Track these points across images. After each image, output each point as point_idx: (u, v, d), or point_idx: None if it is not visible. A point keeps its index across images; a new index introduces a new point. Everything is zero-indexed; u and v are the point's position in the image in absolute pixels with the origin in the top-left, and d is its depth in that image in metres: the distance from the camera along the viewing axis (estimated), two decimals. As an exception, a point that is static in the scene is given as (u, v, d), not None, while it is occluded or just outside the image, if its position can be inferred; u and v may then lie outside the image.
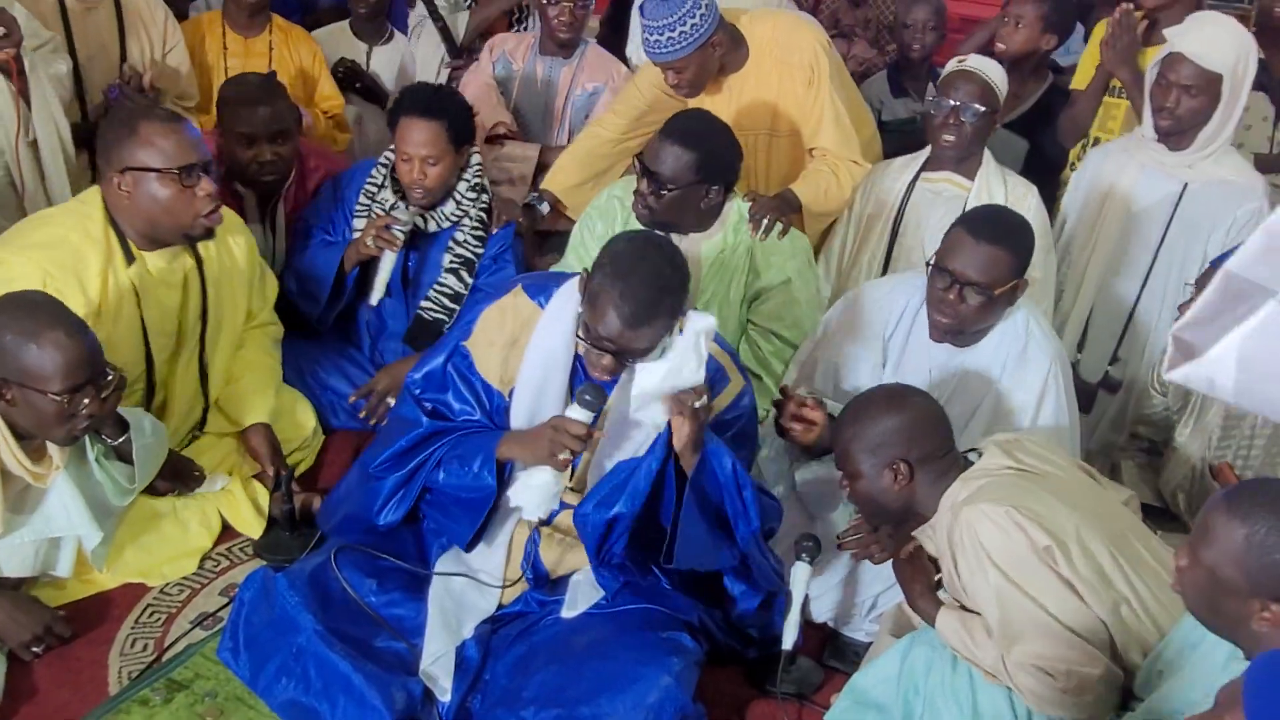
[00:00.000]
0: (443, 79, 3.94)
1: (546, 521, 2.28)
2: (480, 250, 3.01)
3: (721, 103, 3.05)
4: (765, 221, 2.79)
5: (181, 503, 2.60)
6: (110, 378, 2.14)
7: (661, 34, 2.82)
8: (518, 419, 2.22)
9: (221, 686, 2.15)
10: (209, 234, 2.47)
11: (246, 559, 2.56)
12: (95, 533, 2.28)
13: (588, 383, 2.08)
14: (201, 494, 2.64)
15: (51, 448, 2.19)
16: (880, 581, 2.43)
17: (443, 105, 2.88)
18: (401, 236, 2.85)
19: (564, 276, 2.28)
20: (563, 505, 2.28)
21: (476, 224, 3.00)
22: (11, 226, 2.55)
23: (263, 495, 2.66)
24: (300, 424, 2.88)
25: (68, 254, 2.35)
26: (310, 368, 3.05)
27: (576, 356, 2.19)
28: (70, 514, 2.25)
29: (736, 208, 2.83)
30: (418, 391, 2.28)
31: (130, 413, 2.32)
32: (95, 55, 3.31)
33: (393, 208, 2.93)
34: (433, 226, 2.96)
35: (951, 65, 2.99)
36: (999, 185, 2.93)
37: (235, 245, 2.70)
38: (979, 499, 1.99)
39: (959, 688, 1.98)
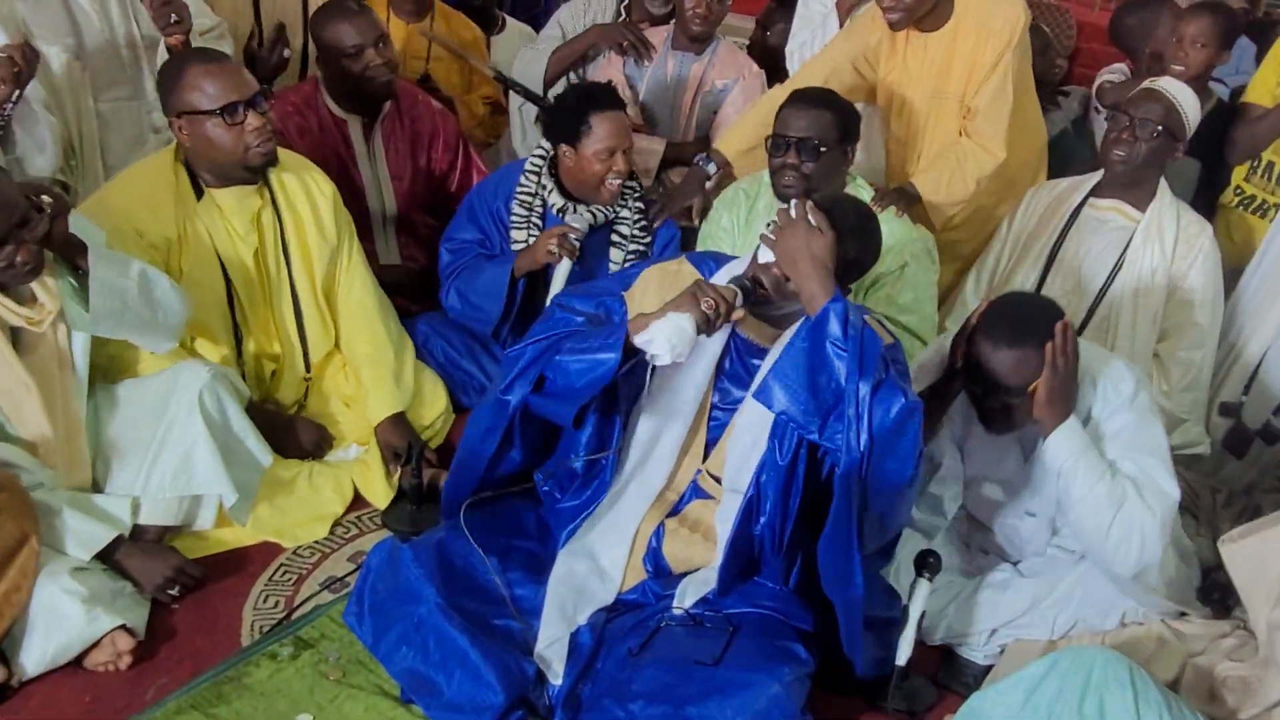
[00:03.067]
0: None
1: (674, 513, 2.30)
2: (649, 241, 3.05)
3: (917, 58, 3.07)
4: (884, 202, 2.80)
5: (317, 469, 2.72)
6: (36, 220, 2.15)
7: None
8: (661, 386, 2.22)
9: (345, 649, 2.23)
10: (267, 162, 2.57)
11: (375, 528, 2.65)
12: (232, 493, 2.39)
13: (742, 275, 2.11)
14: (336, 463, 2.76)
15: (40, 292, 2.24)
16: (1002, 612, 2.38)
17: (618, 95, 2.94)
18: (578, 244, 2.86)
19: (728, 257, 2.30)
20: (696, 493, 2.28)
21: (637, 214, 3.03)
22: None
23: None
24: (433, 404, 2.95)
25: (142, 189, 2.54)
26: (443, 348, 3.12)
27: (736, 333, 2.20)
28: (210, 473, 2.36)
29: (855, 188, 2.84)
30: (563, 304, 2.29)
31: (109, 257, 2.31)
32: (284, 20, 3.49)
33: (560, 210, 2.95)
34: (600, 219, 2.97)
35: (1144, 85, 2.91)
36: (1171, 221, 2.81)
37: (317, 190, 2.76)
38: None
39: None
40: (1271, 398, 2.92)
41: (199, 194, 2.59)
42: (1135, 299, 2.83)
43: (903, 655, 2.21)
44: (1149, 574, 2.24)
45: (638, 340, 2.02)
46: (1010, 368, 2.18)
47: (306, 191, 2.75)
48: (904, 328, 2.79)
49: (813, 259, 2.06)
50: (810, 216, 2.09)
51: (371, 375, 2.83)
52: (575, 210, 2.93)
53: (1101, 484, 2.17)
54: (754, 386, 2.09)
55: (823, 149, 2.70)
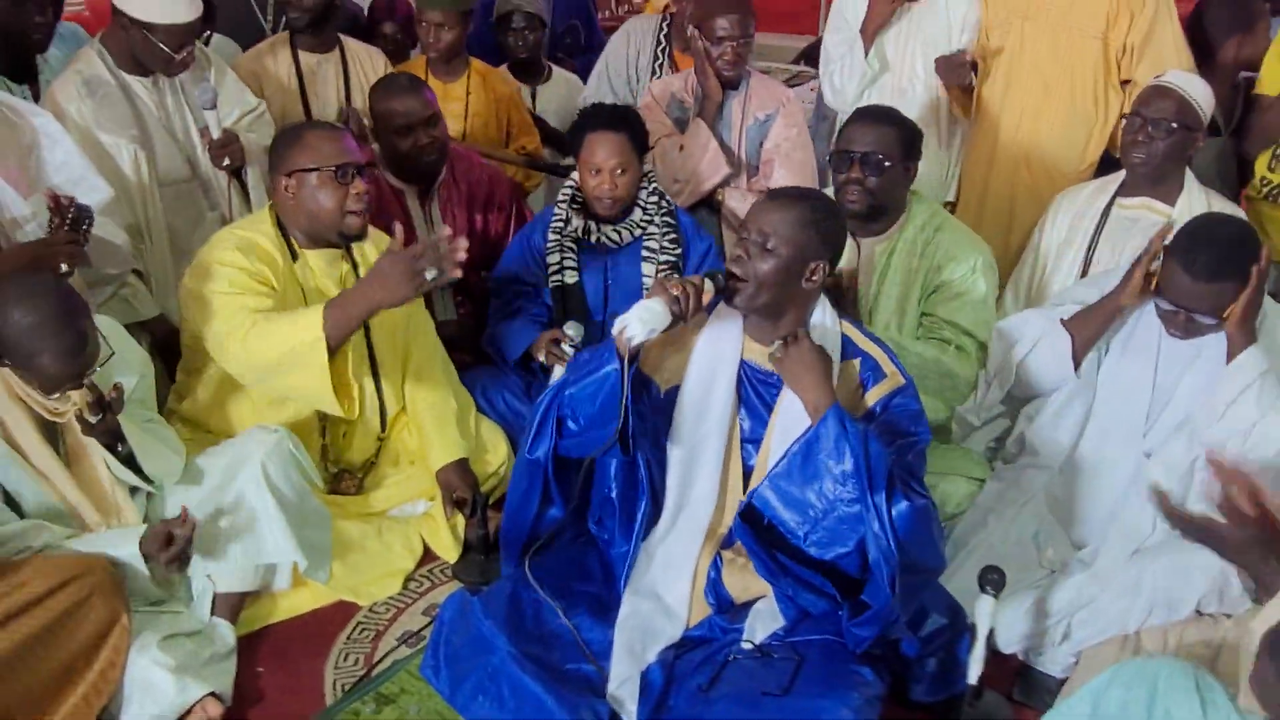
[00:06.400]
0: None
1: (728, 544, 2.33)
2: (679, 252, 3.12)
3: None
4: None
5: (386, 526, 2.80)
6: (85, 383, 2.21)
7: None
8: (684, 415, 2.29)
9: (424, 701, 2.29)
10: (360, 234, 2.69)
11: (447, 580, 2.72)
12: (304, 559, 2.48)
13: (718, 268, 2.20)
14: (405, 518, 2.84)
15: (73, 394, 2.26)
16: (1072, 605, 2.37)
17: (624, 118, 3.06)
18: (571, 353, 2.90)
19: None
20: None
21: (665, 228, 3.11)
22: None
23: (460, 520, 2.81)
24: (494, 452, 3.01)
25: (247, 244, 2.65)
26: (499, 393, 3.18)
27: (743, 363, 2.27)
28: (280, 542, 2.44)
29: (919, 204, 2.88)
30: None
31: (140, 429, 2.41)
32: (327, 104, 3.64)
33: (585, 232, 3.07)
34: (626, 237, 3.10)
35: (1150, 81, 2.91)
36: (1202, 210, 2.79)
37: None
38: None
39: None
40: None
41: (294, 256, 2.71)
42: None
43: (973, 674, 2.21)
44: None
45: (615, 329, 2.11)
46: (1209, 299, 2.31)
47: None
48: (961, 330, 2.83)
49: (816, 375, 2.15)
50: (809, 348, 2.17)
51: (434, 424, 2.90)
52: (599, 229, 3.05)
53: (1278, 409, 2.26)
54: (750, 489, 2.21)
55: (888, 164, 2.75)
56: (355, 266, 2.80)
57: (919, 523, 2.08)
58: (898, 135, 2.77)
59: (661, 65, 3.86)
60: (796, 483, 2.15)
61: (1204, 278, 2.31)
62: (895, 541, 2.05)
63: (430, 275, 2.38)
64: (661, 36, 3.89)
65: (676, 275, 2.18)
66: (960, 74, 3.40)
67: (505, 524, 2.44)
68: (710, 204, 3.60)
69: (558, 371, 2.92)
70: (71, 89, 2.96)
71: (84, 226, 2.48)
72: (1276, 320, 2.45)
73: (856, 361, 2.26)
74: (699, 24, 3.51)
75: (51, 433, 2.33)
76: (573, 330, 2.96)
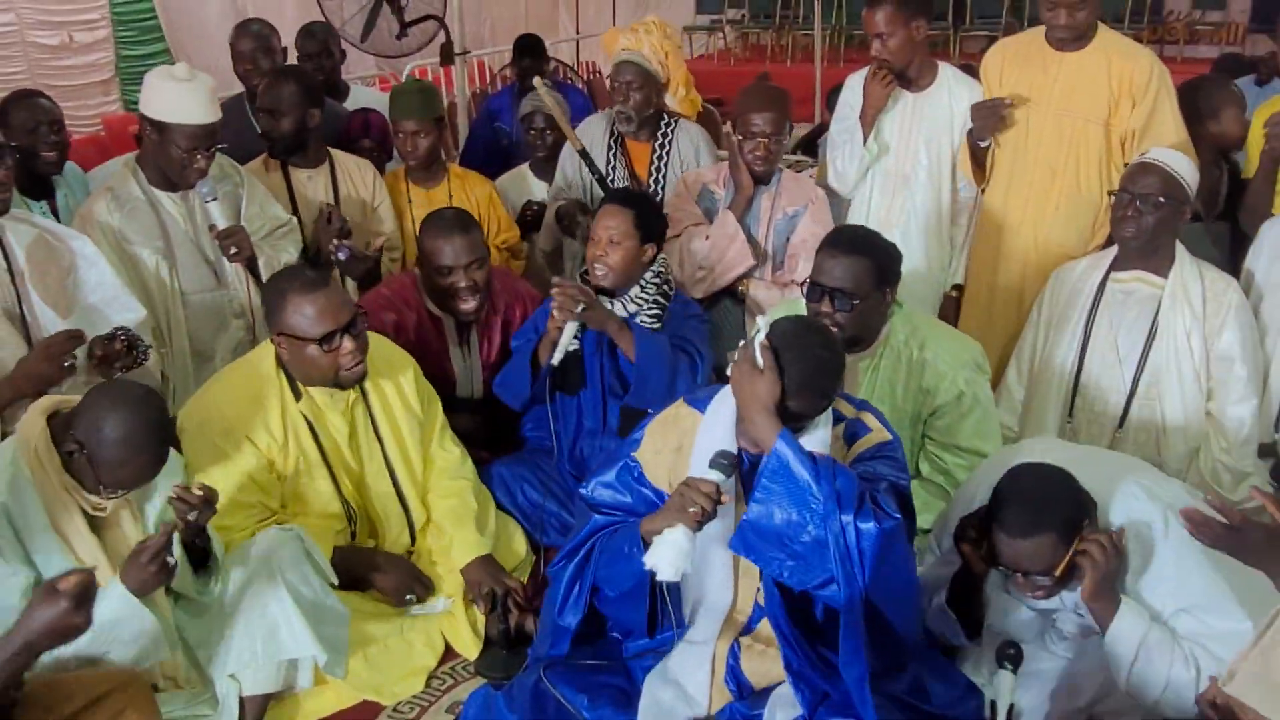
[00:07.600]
0: None
1: (746, 630, 2.35)
2: (656, 328, 3.19)
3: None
4: None
5: (408, 624, 2.82)
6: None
7: None
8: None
9: (451, 801, 2.31)
10: (358, 381, 2.75)
11: (469, 676, 2.73)
12: (322, 653, 2.48)
13: (723, 449, 2.15)
14: (426, 615, 2.86)
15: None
16: (1096, 687, 2.36)
17: (636, 199, 3.23)
18: (578, 305, 2.99)
19: (720, 386, 2.37)
20: (761, 610, 2.33)
21: (653, 305, 3.20)
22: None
23: (480, 616, 2.83)
24: (514, 550, 3.05)
25: (249, 394, 2.73)
26: (518, 487, 3.23)
27: (740, 453, 2.26)
28: (298, 637, 2.45)
29: (899, 319, 2.86)
30: (591, 503, 2.43)
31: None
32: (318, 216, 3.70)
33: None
34: (620, 310, 3.18)
35: (1135, 159, 2.99)
36: (1195, 282, 2.86)
37: (399, 369, 2.94)
38: None
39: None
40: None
41: (297, 395, 2.77)
42: (1176, 363, 2.88)
43: (997, 752, 2.20)
44: None
45: (647, 565, 2.11)
46: (1035, 557, 2.13)
47: (390, 374, 2.92)
48: (972, 452, 2.84)
49: (754, 401, 2.09)
50: (758, 356, 2.09)
51: (454, 524, 2.94)
52: (609, 302, 3.15)
53: (1176, 665, 2.12)
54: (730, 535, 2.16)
55: (857, 300, 2.67)
56: (365, 394, 2.86)
57: (887, 543, 2.04)
58: (870, 266, 2.67)
59: (615, 154, 4.00)
60: (767, 516, 2.09)
61: (1019, 534, 2.13)
62: (861, 562, 2.02)
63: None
64: (614, 127, 4.02)
65: (688, 487, 2.11)
66: (992, 120, 3.36)
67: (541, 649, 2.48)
68: (733, 294, 3.68)
69: (570, 326, 3.01)
70: (103, 204, 3.16)
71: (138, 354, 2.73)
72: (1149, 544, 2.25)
73: (841, 426, 2.29)
74: (735, 119, 3.64)
75: (92, 527, 2.38)
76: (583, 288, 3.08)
